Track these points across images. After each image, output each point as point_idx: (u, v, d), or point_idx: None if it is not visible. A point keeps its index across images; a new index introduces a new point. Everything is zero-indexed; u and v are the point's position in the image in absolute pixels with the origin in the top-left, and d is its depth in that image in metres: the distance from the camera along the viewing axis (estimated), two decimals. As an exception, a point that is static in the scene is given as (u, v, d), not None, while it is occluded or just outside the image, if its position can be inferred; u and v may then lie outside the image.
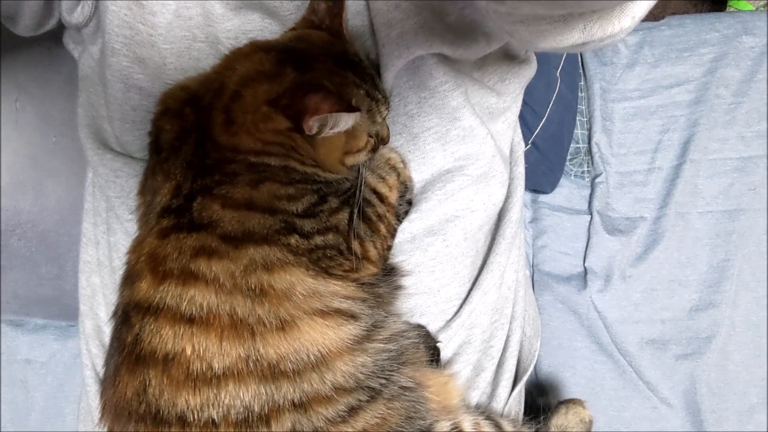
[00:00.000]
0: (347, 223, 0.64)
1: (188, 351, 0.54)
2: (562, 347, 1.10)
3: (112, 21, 0.69)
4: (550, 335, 1.11)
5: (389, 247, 0.70)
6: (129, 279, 0.60)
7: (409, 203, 0.73)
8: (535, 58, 0.89)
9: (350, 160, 0.65)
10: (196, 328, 0.54)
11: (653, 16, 1.27)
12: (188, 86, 0.65)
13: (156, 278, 0.56)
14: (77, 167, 0.87)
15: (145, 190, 0.66)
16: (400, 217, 0.72)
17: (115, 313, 0.61)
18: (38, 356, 1.06)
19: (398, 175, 0.71)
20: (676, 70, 1.21)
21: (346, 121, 0.58)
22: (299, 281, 0.58)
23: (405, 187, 0.72)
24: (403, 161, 0.73)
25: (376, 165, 0.71)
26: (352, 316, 0.61)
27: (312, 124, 0.57)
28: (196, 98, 0.63)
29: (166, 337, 0.54)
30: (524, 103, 1.11)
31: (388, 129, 0.70)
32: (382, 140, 0.68)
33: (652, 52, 1.23)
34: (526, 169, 1.11)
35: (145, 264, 0.58)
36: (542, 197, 1.18)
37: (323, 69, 0.61)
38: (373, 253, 0.67)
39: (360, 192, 0.66)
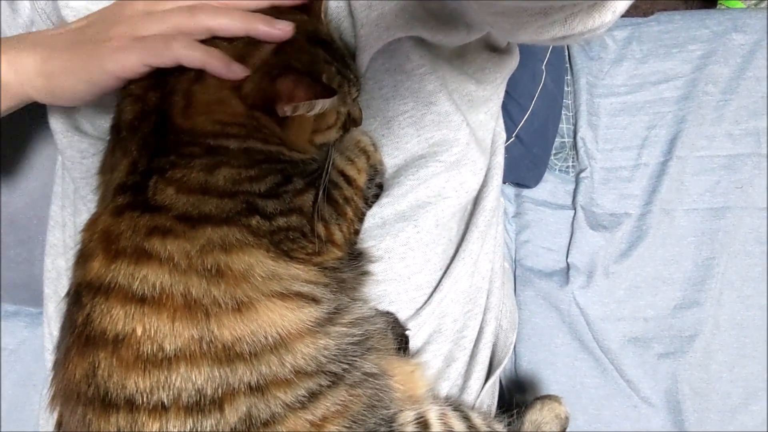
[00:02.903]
0: (312, 205, 0.62)
1: (139, 331, 0.51)
2: (542, 344, 1.08)
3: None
4: (531, 332, 1.09)
5: (356, 232, 0.69)
6: (82, 258, 0.58)
7: (380, 187, 0.72)
8: (517, 50, 0.87)
9: (319, 139, 0.63)
10: (148, 308, 0.52)
11: (642, 11, 1.26)
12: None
13: (108, 257, 0.54)
14: (49, 150, 0.86)
15: (105, 168, 0.64)
16: (368, 201, 0.70)
17: (67, 294, 0.59)
18: (7, 343, 1.03)
19: (368, 158, 0.70)
20: (665, 66, 1.20)
21: (323, 104, 0.57)
22: (258, 263, 0.56)
23: (375, 170, 0.70)
24: (373, 144, 0.71)
25: (345, 147, 0.69)
26: (314, 300, 0.59)
27: (286, 110, 0.56)
28: (160, 82, 0.61)
29: (116, 318, 0.52)
30: (508, 95, 1.10)
31: (360, 111, 0.69)
32: (353, 121, 0.67)
33: (641, 48, 1.21)
34: (510, 162, 1.10)
35: (98, 242, 0.56)
36: (526, 192, 1.16)
37: (293, 47, 0.60)
38: (338, 236, 0.65)
39: (326, 173, 0.64)
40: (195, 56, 0.54)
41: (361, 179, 0.69)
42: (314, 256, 0.62)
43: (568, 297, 1.08)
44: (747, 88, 1.17)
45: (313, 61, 0.60)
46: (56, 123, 0.75)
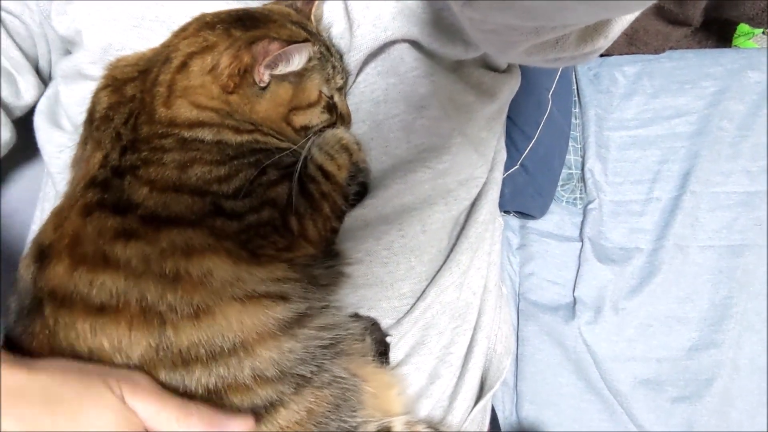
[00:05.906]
0: (286, 198, 0.60)
1: (106, 346, 0.49)
2: (545, 383, 1.01)
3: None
4: (534, 369, 1.02)
5: (334, 230, 0.65)
6: (44, 256, 0.53)
7: (363, 187, 0.69)
8: (519, 72, 0.86)
9: (299, 120, 0.61)
10: (107, 318, 0.49)
11: (654, 49, 1.24)
12: (137, 62, 0.63)
13: (73, 262, 0.51)
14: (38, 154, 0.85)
15: (75, 161, 0.63)
16: (348, 199, 0.67)
17: (19, 292, 0.55)
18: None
19: (350, 155, 0.67)
20: (677, 102, 1.17)
21: (300, 54, 0.57)
22: (217, 267, 0.53)
23: (358, 168, 0.67)
24: (357, 143, 0.68)
25: (326, 142, 0.66)
26: (282, 297, 0.55)
27: (263, 72, 0.56)
28: (143, 73, 0.61)
29: (82, 333, 0.49)
30: (513, 123, 1.08)
31: (348, 109, 0.67)
32: (341, 118, 0.65)
33: (652, 83, 1.19)
34: (514, 190, 1.07)
35: (66, 245, 0.52)
36: (531, 223, 1.12)
37: (274, 25, 0.60)
38: (312, 232, 0.61)
39: (300, 163, 0.61)
40: None
41: (341, 175, 0.65)
42: (284, 252, 0.58)
43: (574, 333, 1.02)
44: (764, 125, 1.14)
45: (293, 35, 0.59)
46: (39, 118, 0.75)
